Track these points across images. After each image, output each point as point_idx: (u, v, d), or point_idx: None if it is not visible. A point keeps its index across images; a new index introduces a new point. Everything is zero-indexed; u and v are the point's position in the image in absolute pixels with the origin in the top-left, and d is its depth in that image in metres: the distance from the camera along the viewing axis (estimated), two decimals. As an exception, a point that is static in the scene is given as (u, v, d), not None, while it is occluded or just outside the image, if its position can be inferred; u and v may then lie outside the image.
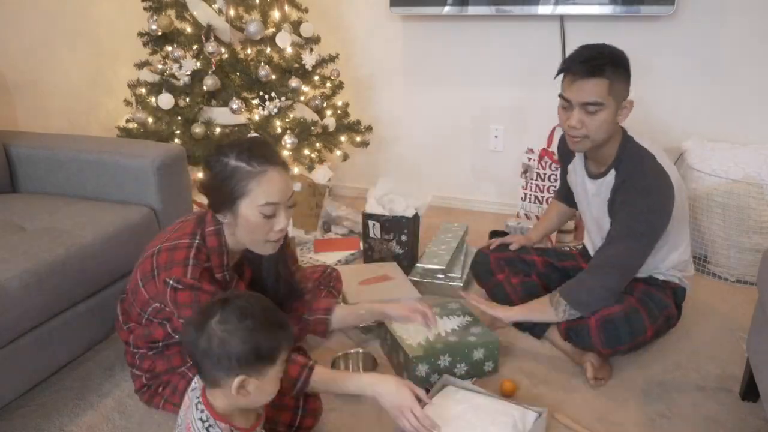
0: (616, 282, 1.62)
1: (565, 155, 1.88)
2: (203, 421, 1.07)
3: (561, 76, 1.61)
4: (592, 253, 1.89)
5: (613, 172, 1.65)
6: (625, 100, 1.58)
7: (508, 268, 1.95)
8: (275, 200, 1.28)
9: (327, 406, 1.48)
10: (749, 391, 1.57)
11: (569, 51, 2.59)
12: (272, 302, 1.12)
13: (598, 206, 1.73)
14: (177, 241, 1.33)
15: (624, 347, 1.66)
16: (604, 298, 1.62)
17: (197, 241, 1.33)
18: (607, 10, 2.47)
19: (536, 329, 1.86)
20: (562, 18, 2.61)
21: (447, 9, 2.70)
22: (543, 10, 2.56)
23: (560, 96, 1.60)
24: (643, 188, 1.58)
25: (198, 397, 1.10)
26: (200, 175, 1.32)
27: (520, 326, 1.89)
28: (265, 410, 1.21)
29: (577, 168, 1.81)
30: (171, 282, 1.29)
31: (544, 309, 1.69)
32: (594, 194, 1.73)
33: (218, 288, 1.33)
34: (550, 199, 2.69)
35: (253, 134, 1.98)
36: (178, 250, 1.32)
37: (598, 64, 1.51)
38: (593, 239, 1.86)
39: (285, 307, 1.55)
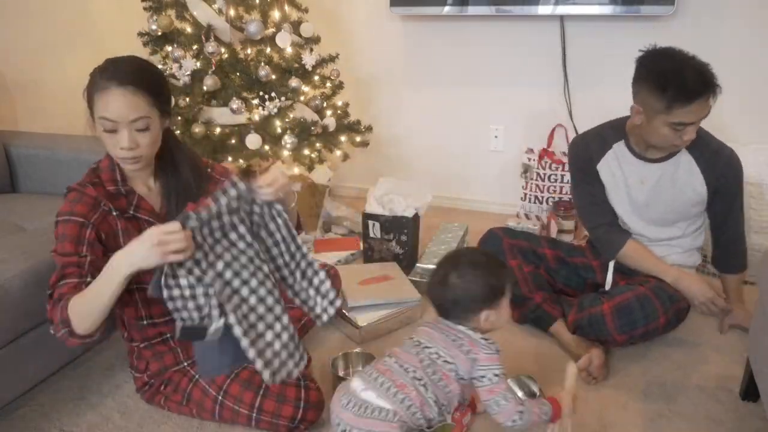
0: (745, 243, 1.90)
1: (589, 157, 1.83)
2: (485, 339, 1.32)
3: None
4: None
5: (685, 151, 1.72)
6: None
7: (521, 257, 1.92)
8: (110, 117, 1.29)
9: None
10: (749, 391, 1.57)
11: (569, 51, 2.64)
12: (491, 252, 1.60)
13: (661, 189, 1.75)
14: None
15: (638, 332, 1.66)
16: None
17: (95, 163, 1.42)
18: (607, 10, 2.47)
19: (542, 322, 1.85)
20: (562, 18, 2.61)
21: (447, 9, 2.70)
22: (543, 10, 2.56)
23: (671, 122, 1.60)
24: (737, 164, 1.75)
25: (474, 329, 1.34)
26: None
27: (523, 319, 1.89)
28: (266, 404, 1.39)
29: (620, 160, 1.79)
30: (65, 190, 1.36)
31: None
32: (660, 176, 1.75)
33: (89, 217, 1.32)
34: (550, 200, 2.69)
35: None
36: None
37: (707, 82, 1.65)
38: (634, 225, 1.84)
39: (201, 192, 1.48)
